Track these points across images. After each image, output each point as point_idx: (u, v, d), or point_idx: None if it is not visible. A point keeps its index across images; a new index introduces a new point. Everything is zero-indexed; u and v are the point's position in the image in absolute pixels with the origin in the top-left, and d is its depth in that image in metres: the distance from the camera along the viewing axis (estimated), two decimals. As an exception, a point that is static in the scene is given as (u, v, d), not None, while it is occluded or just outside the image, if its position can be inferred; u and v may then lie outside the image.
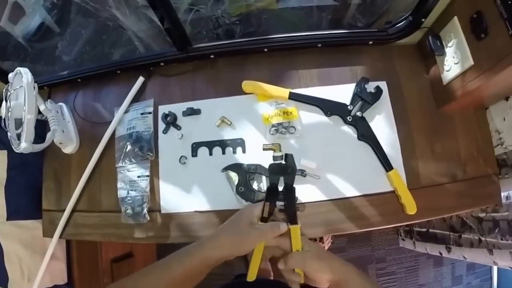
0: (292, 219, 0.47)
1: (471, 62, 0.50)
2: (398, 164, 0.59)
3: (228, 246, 0.42)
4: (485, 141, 0.61)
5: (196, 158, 0.60)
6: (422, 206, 0.57)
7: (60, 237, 0.67)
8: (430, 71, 0.63)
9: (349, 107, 0.60)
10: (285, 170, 0.49)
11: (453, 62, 0.54)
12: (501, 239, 0.67)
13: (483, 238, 0.73)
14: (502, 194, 0.60)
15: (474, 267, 1.38)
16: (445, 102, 0.60)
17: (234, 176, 0.57)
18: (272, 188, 0.48)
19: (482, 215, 0.72)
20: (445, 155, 0.61)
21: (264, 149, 0.50)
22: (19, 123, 0.58)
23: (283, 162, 0.49)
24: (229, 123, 0.60)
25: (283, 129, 0.59)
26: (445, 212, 0.65)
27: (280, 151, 0.56)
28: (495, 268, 1.33)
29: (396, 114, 0.61)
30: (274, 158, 0.53)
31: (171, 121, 0.61)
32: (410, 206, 0.57)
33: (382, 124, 0.61)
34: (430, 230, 0.97)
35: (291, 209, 0.47)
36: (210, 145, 0.60)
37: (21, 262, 0.71)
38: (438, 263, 1.37)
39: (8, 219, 0.70)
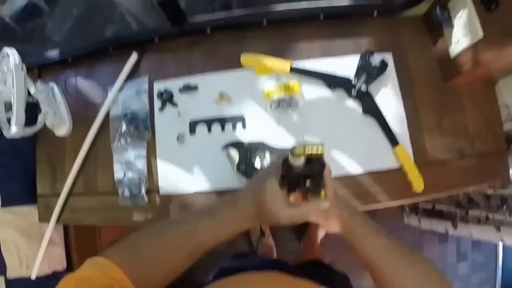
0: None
1: (481, 35, 0.48)
2: (404, 139, 0.57)
3: (258, 221, 0.37)
4: (493, 116, 0.60)
5: (195, 136, 0.58)
6: (430, 183, 0.56)
7: (57, 222, 0.65)
8: (437, 44, 0.60)
9: (353, 80, 0.58)
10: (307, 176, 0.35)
11: (461, 34, 0.52)
12: (509, 216, 0.66)
13: (490, 215, 0.72)
14: (511, 170, 0.59)
15: (479, 244, 1.38)
16: (452, 76, 0.58)
17: (235, 154, 0.55)
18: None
19: (489, 191, 0.72)
20: (453, 131, 0.59)
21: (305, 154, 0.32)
22: (8, 107, 0.56)
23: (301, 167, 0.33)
24: (228, 98, 0.58)
25: (285, 104, 0.56)
26: (453, 189, 0.63)
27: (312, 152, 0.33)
28: (500, 246, 1.34)
29: (402, 88, 0.59)
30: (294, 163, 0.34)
31: (167, 99, 0.58)
32: (418, 183, 0.56)
33: (388, 98, 0.59)
34: (436, 206, 0.96)
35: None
36: (209, 122, 0.58)
37: (18, 249, 0.69)
38: (443, 239, 1.36)
39: (2, 205, 0.68)
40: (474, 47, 0.50)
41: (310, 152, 0.32)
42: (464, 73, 0.54)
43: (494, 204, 0.70)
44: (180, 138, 0.58)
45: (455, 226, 0.87)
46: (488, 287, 1.39)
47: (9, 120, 0.55)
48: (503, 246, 1.33)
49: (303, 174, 0.35)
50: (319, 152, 0.32)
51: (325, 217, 0.39)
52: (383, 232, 0.40)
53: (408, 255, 0.38)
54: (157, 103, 0.60)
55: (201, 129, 0.58)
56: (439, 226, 0.96)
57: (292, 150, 0.32)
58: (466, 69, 0.53)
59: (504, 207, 0.67)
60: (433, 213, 0.99)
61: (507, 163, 0.59)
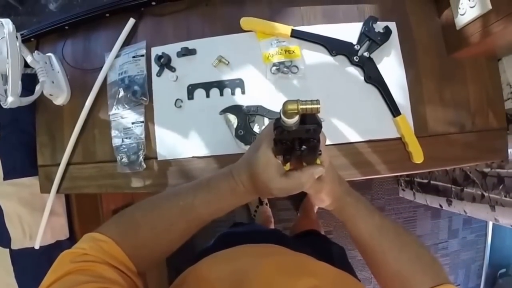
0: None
1: (489, 7, 0.46)
2: (405, 110, 0.56)
3: (256, 194, 0.35)
4: (495, 93, 0.59)
5: (193, 100, 0.57)
6: (429, 155, 0.55)
7: (58, 192, 0.65)
8: (443, 15, 0.58)
9: (355, 46, 0.56)
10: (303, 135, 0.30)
11: (468, 5, 0.50)
12: (505, 196, 0.66)
13: (486, 194, 0.72)
14: (509, 150, 0.59)
15: (471, 222, 1.40)
16: (457, 48, 0.56)
17: (233, 119, 0.54)
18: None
19: (486, 170, 0.71)
20: (454, 104, 0.58)
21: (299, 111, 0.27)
22: (5, 79, 0.55)
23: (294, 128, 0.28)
24: (227, 62, 0.56)
25: (285, 69, 0.55)
26: (451, 163, 0.63)
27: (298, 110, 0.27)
28: (490, 225, 1.35)
29: (405, 57, 0.58)
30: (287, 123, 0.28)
31: (165, 63, 0.57)
32: (417, 154, 0.55)
33: (390, 66, 0.57)
34: (432, 182, 0.96)
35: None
36: (207, 86, 0.56)
37: (21, 221, 0.70)
38: (436, 215, 1.39)
39: (5, 179, 0.69)
40: (481, 19, 0.48)
41: (304, 107, 0.26)
42: (469, 45, 0.53)
43: (490, 183, 0.69)
44: (178, 103, 0.57)
45: (449, 203, 0.87)
46: (477, 265, 1.42)
47: (7, 92, 0.55)
48: (493, 226, 1.34)
49: (298, 137, 0.30)
50: (315, 107, 0.26)
51: (317, 190, 0.36)
52: (376, 212, 0.39)
53: (402, 236, 0.38)
54: (154, 68, 0.59)
55: (199, 94, 0.57)
56: (434, 201, 0.96)
57: (283, 106, 0.26)
58: (472, 41, 0.52)
59: (501, 187, 0.66)
60: (428, 188, 0.99)
61: (506, 142, 0.58)
